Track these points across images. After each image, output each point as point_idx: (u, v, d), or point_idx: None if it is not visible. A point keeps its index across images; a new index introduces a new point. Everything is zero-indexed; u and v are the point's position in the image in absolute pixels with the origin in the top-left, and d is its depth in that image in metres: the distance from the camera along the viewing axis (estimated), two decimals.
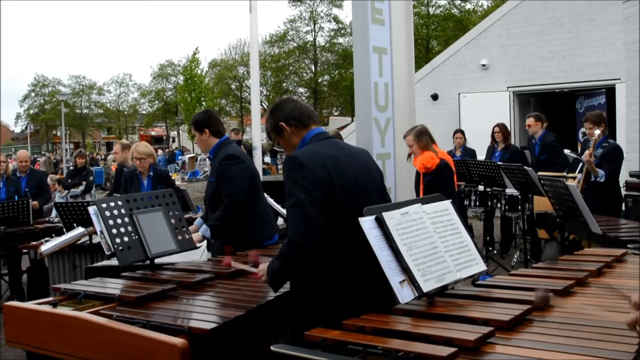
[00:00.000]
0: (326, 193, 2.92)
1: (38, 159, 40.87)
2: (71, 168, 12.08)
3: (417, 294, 2.60)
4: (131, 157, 7.19)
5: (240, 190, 4.76)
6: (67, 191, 11.31)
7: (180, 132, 54.89)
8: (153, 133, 67.14)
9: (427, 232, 2.81)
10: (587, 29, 14.74)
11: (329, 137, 3.23)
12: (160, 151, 39.45)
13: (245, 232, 4.82)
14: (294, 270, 3.01)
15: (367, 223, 2.64)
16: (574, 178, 7.77)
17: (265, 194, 5.42)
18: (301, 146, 3.19)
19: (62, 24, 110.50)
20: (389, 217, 2.69)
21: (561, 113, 16.84)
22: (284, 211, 6.34)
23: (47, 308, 3.03)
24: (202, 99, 45.18)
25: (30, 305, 3.15)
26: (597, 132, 6.83)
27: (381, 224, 2.66)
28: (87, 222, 6.07)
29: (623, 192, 7.88)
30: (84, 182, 11.16)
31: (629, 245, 4.53)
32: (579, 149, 10.91)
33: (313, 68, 50.49)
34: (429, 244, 2.78)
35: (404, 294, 2.57)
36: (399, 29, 6.72)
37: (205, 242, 5.01)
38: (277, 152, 39.68)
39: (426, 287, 2.63)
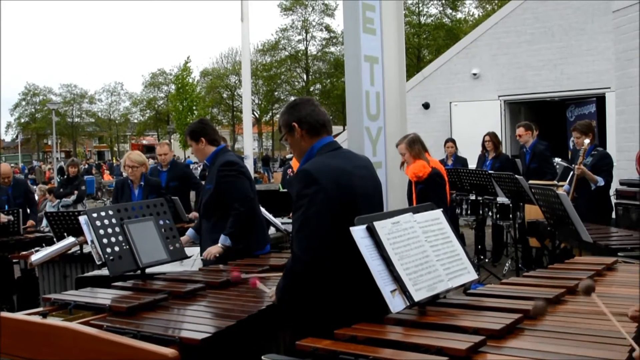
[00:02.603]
0: (335, 207, 2.93)
1: (36, 166, 40.80)
2: (63, 177, 12.04)
3: (408, 303, 2.60)
4: (123, 165, 7.20)
5: (245, 201, 4.81)
6: (58, 200, 11.26)
7: (172, 140, 54.96)
8: (145, 142, 66.98)
9: (419, 241, 2.82)
10: (577, 38, 14.84)
11: (338, 147, 3.22)
12: (151, 160, 39.38)
13: (237, 240, 4.80)
14: (298, 285, 3.01)
15: (359, 232, 2.64)
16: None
17: None
18: (309, 155, 3.19)
19: (53, 33, 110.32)
20: (380, 226, 2.69)
21: (552, 121, 16.91)
22: (276, 221, 6.34)
23: (37, 319, 3.01)
24: (194, 107, 45.23)
25: (20, 315, 3.13)
26: (587, 141, 6.87)
27: (372, 233, 2.66)
28: (77, 231, 6.04)
29: (613, 200, 7.91)
30: (75, 192, 11.12)
31: (619, 254, 4.55)
32: (570, 157, 10.95)
33: (305, 77, 50.61)
34: (420, 253, 2.78)
35: (396, 303, 2.57)
36: (390, 38, 6.74)
37: (198, 251, 4.99)
38: (269, 161, 39.74)
39: (418, 296, 2.63)
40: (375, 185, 3.28)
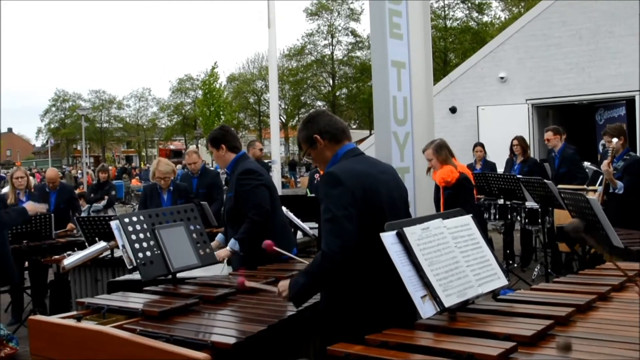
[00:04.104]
0: (361, 210, 2.95)
1: (66, 171, 41.25)
2: (94, 182, 12.20)
3: (439, 309, 2.61)
4: (152, 176, 7.26)
5: (259, 211, 4.80)
6: (88, 205, 11.40)
7: (200, 145, 55.34)
8: (172, 147, 67.57)
9: (448, 247, 2.82)
10: (605, 41, 14.71)
11: (361, 153, 3.26)
12: (179, 165, 39.67)
13: (247, 247, 4.81)
14: (322, 285, 3.03)
15: (389, 238, 2.65)
16: (595, 191, 7.72)
17: (284, 208, 5.44)
18: (333, 161, 3.22)
19: (82, 40, 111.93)
20: (410, 232, 2.70)
21: (581, 125, 16.77)
22: (304, 225, 6.36)
23: (72, 322, 3.06)
24: (221, 112, 45.45)
25: (54, 319, 3.18)
26: (615, 140, 6.79)
27: (402, 239, 2.67)
28: (109, 236, 6.11)
29: None
30: (106, 197, 11.25)
31: None
32: (599, 160, 10.86)
33: (331, 81, 50.67)
34: (450, 259, 2.78)
35: (426, 309, 2.58)
36: (417, 42, 6.74)
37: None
38: (296, 166, 39.77)
39: (448, 302, 2.63)
40: (400, 191, 3.30)
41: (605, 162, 6.75)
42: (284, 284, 3.12)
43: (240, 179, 4.88)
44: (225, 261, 4.98)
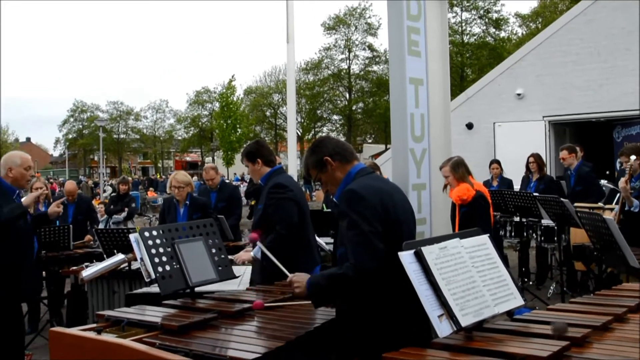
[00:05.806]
0: (383, 225, 3.00)
1: (83, 182, 41.44)
2: (114, 194, 12.29)
3: (455, 328, 2.63)
4: (169, 186, 7.36)
5: (286, 224, 4.84)
6: (106, 216, 11.48)
7: (216, 157, 55.53)
8: (188, 159, 67.86)
9: (466, 267, 2.84)
10: (623, 58, 14.67)
11: (372, 171, 3.31)
12: (195, 177, 39.81)
13: (291, 260, 4.84)
14: (342, 294, 3.07)
15: (407, 257, 2.68)
16: (612, 210, 7.70)
17: None
18: (347, 180, 3.26)
19: (101, 51, 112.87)
20: (428, 251, 2.72)
21: (598, 142, 16.71)
22: (320, 240, 6.38)
23: (92, 335, 3.10)
24: (237, 125, 45.62)
25: (75, 331, 3.21)
26: (633, 157, 6.79)
27: (420, 258, 2.70)
28: (126, 248, 6.19)
29: None
30: (126, 209, 11.31)
31: None
32: (616, 178, 10.81)
33: (347, 95, 50.76)
34: (467, 279, 2.80)
35: (443, 328, 2.60)
36: (435, 60, 6.76)
37: (245, 270, 5.05)
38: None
39: (464, 322, 2.65)
40: (410, 210, 3.35)
41: (623, 179, 6.74)
42: (298, 280, 3.20)
43: (270, 192, 4.94)
44: (242, 276, 5.01)
